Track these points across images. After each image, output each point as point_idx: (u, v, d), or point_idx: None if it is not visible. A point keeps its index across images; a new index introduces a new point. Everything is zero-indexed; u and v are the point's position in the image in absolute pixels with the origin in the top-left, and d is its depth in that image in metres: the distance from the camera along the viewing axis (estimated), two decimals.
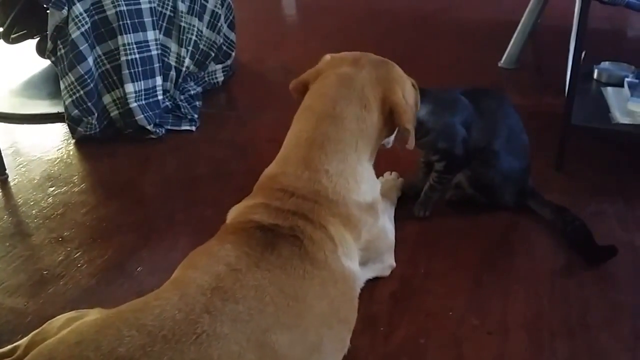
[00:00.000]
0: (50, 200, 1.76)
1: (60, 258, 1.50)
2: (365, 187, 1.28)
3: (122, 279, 1.44)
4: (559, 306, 1.32)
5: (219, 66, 2.56)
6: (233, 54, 2.63)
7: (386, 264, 1.43)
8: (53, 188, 1.83)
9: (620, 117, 1.77)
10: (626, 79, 1.95)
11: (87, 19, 1.94)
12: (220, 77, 2.57)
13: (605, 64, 2.10)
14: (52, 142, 2.12)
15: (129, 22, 2.00)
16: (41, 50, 2.40)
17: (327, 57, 1.39)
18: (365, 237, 1.26)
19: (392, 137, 1.39)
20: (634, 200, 1.67)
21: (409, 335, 1.26)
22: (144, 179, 1.92)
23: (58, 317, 1.11)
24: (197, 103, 2.35)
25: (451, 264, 1.47)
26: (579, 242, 1.48)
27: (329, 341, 1.08)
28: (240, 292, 0.99)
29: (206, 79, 2.52)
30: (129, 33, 2.01)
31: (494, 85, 2.48)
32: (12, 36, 2.20)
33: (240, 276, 1.01)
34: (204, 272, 1.01)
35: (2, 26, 2.26)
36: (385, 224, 1.47)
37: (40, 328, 1.10)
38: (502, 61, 2.67)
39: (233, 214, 1.23)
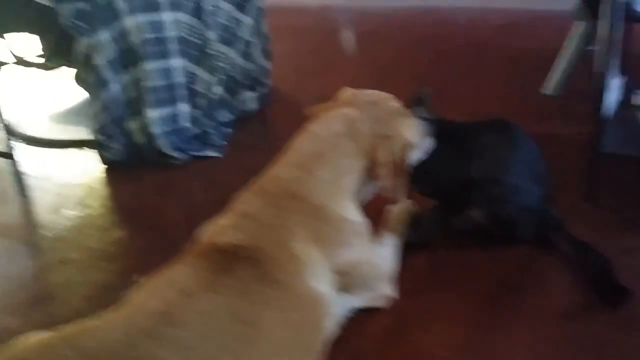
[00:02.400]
0: (66, 223, 1.79)
1: (60, 280, 1.52)
2: (349, 207, 1.28)
3: (114, 303, 1.42)
4: (566, 353, 1.20)
5: (254, 94, 2.57)
6: (268, 82, 2.64)
7: (380, 293, 1.35)
8: (73, 211, 1.86)
9: None
10: None
11: (113, 45, 2.00)
12: (254, 105, 2.57)
13: None
14: (82, 167, 2.18)
15: (153, 49, 2.04)
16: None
17: (348, 92, 1.45)
18: (344, 258, 1.21)
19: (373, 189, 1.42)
20: None
21: None
22: (162, 205, 1.93)
23: (27, 335, 1.10)
24: (228, 130, 2.36)
25: (454, 299, 1.37)
26: (598, 282, 1.35)
27: None
28: (188, 317, 0.96)
29: (240, 107, 2.53)
30: (153, 60, 2.05)
31: (534, 112, 2.36)
32: (49, 64, 2.30)
33: (191, 301, 0.99)
34: (154, 296, 1.01)
35: (45, 55, 2.37)
36: (381, 251, 1.42)
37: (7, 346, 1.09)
38: (546, 88, 2.54)
39: (203, 233, 1.21)
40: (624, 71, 2.10)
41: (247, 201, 1.23)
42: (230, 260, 1.07)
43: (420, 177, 1.47)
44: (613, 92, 1.61)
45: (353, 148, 1.30)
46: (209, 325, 0.95)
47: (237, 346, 0.96)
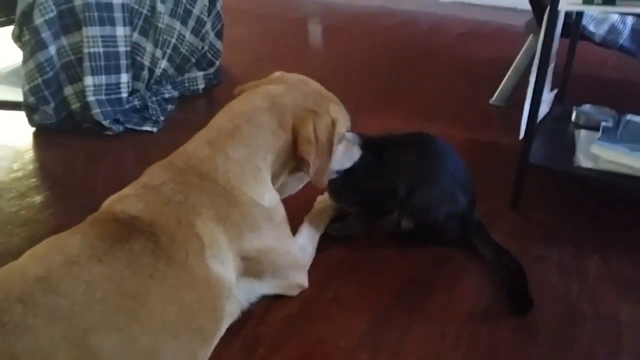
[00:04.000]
0: None
1: None
2: (263, 191, 1.23)
3: None
4: (462, 352, 1.19)
5: (201, 73, 2.53)
6: (218, 62, 2.59)
7: (292, 282, 1.32)
8: None
9: (583, 161, 1.63)
10: (603, 123, 1.82)
11: (53, 7, 1.93)
12: (201, 84, 2.53)
13: (585, 107, 1.97)
14: (12, 129, 2.10)
15: (96, 14, 1.98)
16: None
17: (277, 73, 1.41)
18: (252, 244, 1.17)
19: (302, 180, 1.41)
20: (583, 248, 1.53)
21: None
22: (89, 174, 1.87)
23: None
24: (170, 107, 2.31)
25: (363, 293, 1.35)
26: (510, 287, 1.35)
27: (170, 350, 0.99)
28: (69, 285, 0.92)
29: (186, 84, 2.48)
30: (95, 26, 1.99)
31: (478, 121, 2.37)
32: None
33: (74, 269, 0.94)
34: (38, 261, 0.96)
35: None
36: (298, 239, 1.40)
37: None
38: (493, 98, 2.55)
39: (106, 202, 1.16)
40: (561, 87, 2.13)
41: (153, 173, 1.18)
42: (124, 230, 1.02)
43: (343, 191, 1.52)
44: (539, 105, 1.60)
45: (273, 123, 1.24)
46: (90, 296, 0.91)
47: (116, 320, 0.92)
